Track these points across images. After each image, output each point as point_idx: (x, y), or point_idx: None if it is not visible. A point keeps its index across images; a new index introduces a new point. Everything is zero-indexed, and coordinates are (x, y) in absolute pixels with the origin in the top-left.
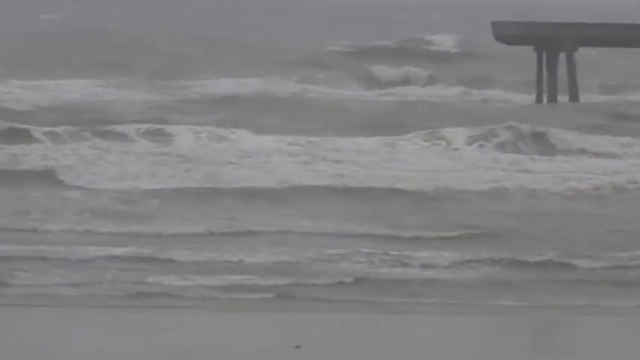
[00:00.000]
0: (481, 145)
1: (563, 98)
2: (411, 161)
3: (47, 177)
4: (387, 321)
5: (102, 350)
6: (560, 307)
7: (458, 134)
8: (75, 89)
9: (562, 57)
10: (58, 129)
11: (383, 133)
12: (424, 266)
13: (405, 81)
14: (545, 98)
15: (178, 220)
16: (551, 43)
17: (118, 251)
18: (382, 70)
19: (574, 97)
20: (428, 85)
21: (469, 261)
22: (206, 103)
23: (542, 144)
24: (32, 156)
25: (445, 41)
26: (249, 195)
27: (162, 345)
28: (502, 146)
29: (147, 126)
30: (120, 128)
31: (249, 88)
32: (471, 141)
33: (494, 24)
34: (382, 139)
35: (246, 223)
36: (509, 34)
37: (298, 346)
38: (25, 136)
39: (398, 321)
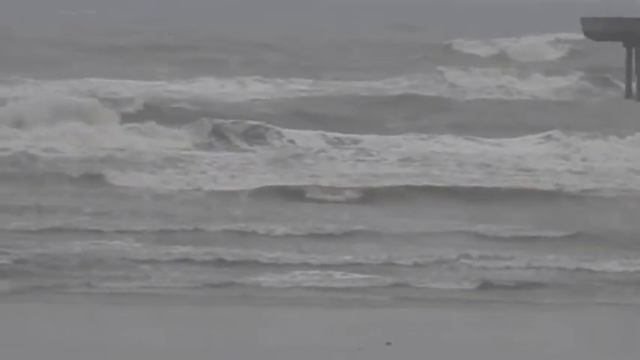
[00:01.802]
0: None
1: None
2: None
3: None
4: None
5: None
6: None
7: None
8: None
9: None
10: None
11: None
12: None
13: None
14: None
15: None
16: None
17: None
18: None
19: None
20: None
21: None
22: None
23: None
24: None
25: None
26: None
27: (252, 341)
28: None
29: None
30: None
31: (404, 87)
32: None
33: (584, 20)
34: None
35: None
36: (598, 30)
37: (389, 343)
38: None
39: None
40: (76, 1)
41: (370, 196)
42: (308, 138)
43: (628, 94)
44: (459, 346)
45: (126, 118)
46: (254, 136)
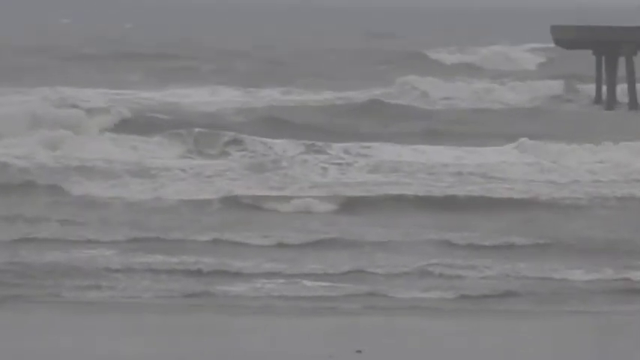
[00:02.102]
0: None
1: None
2: None
3: None
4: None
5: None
6: None
7: None
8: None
9: (621, 61)
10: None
11: None
12: None
13: None
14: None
15: None
16: (611, 48)
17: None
18: None
19: (633, 102)
20: None
21: None
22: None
23: None
24: None
25: None
26: None
27: (227, 348)
28: None
29: None
30: None
31: (376, 94)
32: None
33: (554, 28)
34: None
35: None
36: (568, 38)
37: (359, 351)
38: None
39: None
40: (52, 10)
41: (344, 204)
42: (281, 145)
43: (597, 100)
44: (431, 353)
45: (100, 126)
46: (229, 144)
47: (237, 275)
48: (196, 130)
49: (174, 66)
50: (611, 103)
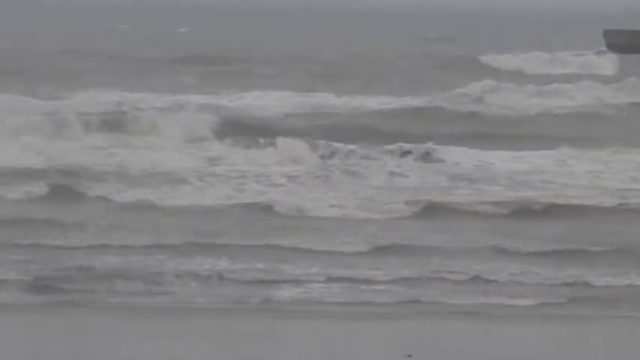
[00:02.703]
0: None
1: None
2: None
3: None
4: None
5: None
6: None
7: None
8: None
9: None
10: None
11: None
12: None
13: None
14: None
15: None
16: None
17: None
18: None
19: None
20: None
21: None
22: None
23: None
24: None
25: None
26: None
27: (277, 354)
28: None
29: None
30: None
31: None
32: None
33: (606, 33)
34: None
35: None
36: (621, 42)
37: (409, 355)
38: None
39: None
40: (110, 16)
41: (423, 210)
42: (364, 150)
43: None
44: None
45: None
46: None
47: (293, 281)
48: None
49: (230, 70)
50: None
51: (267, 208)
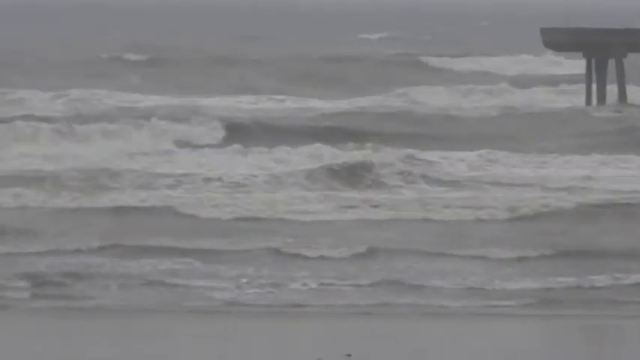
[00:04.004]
0: None
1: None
2: None
3: None
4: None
5: None
6: None
7: None
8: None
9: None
10: None
11: None
12: None
13: None
14: (593, 103)
15: None
16: (600, 49)
17: None
18: None
19: (623, 101)
20: None
21: None
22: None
23: None
24: None
25: None
26: None
27: (209, 353)
28: None
29: None
30: None
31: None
32: None
33: (543, 30)
34: None
35: None
36: (558, 40)
37: (349, 355)
38: None
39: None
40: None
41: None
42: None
43: (588, 103)
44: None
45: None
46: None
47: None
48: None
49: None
50: (601, 104)
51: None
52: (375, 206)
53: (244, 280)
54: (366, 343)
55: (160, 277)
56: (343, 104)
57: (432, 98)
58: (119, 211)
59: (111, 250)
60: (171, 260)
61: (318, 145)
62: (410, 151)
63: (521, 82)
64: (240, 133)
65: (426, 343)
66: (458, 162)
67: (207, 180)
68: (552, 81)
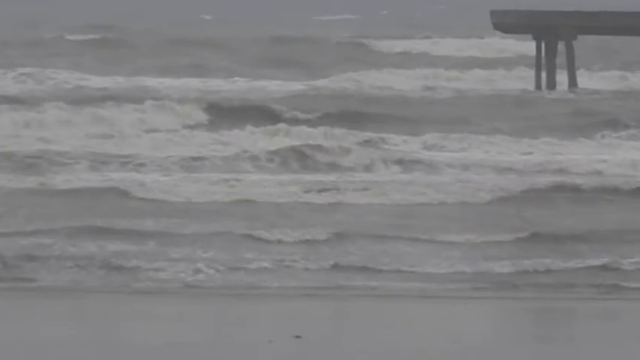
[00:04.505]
0: None
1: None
2: None
3: None
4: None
5: None
6: None
7: None
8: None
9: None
10: None
11: None
12: None
13: None
14: (543, 86)
15: None
16: (550, 32)
17: None
18: None
19: (572, 83)
20: None
21: None
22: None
23: None
24: None
25: None
26: None
27: (162, 334)
28: None
29: None
30: None
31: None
32: None
33: (493, 13)
34: None
35: None
36: (507, 22)
37: (298, 336)
38: None
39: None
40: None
41: None
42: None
43: (538, 86)
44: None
45: None
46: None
47: None
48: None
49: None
50: (551, 87)
51: None
52: (327, 190)
53: (197, 263)
54: (316, 324)
55: (111, 258)
56: (296, 85)
57: (382, 81)
58: (71, 193)
59: (62, 232)
60: (123, 242)
61: (272, 127)
62: (366, 133)
63: (471, 64)
64: (192, 114)
65: (375, 324)
66: (412, 143)
67: (161, 161)
68: (501, 64)
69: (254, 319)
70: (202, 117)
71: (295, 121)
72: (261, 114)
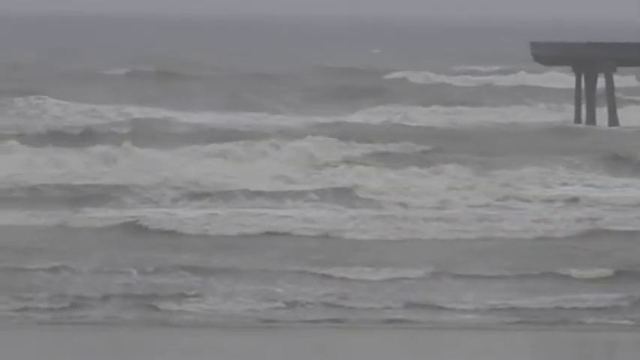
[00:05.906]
0: None
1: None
2: None
3: None
4: None
5: None
6: None
7: None
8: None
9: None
10: None
11: None
12: None
13: None
14: (583, 119)
15: None
16: (590, 64)
17: None
18: None
19: (613, 118)
20: None
21: None
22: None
23: None
24: None
25: None
26: None
27: None
28: None
29: None
30: None
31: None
32: None
33: (533, 45)
34: None
35: None
36: (547, 54)
37: None
38: None
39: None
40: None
41: None
42: None
43: (577, 119)
44: None
45: None
46: None
47: None
48: None
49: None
50: (591, 120)
51: None
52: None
53: None
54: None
55: None
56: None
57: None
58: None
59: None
60: None
61: None
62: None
63: (517, 96)
64: None
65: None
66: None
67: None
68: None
69: None
70: None
71: None
72: None
